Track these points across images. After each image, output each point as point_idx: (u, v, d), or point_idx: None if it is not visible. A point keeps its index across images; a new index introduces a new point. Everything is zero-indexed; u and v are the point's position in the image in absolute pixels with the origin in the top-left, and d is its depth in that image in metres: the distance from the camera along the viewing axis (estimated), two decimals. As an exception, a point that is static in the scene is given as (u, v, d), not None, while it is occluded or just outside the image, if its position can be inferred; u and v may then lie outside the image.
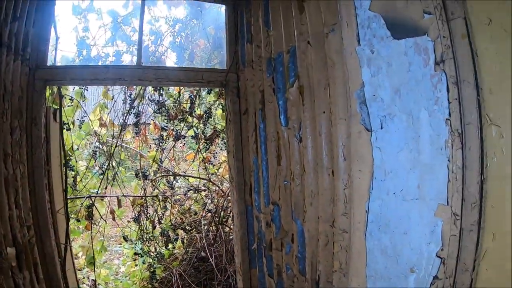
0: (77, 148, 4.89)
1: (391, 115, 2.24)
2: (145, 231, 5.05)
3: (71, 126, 4.77)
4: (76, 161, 4.85)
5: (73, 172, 4.83)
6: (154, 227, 5.26)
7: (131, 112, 4.51)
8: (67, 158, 4.82)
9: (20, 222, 3.20)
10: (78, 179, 4.88)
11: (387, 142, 2.25)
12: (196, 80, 3.69)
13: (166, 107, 4.74)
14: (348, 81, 2.43)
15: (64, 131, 4.67)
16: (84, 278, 5.72)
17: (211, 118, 4.91)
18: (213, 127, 4.99)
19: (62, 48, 4.82)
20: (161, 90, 4.59)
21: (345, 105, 2.48)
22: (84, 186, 4.81)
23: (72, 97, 4.63)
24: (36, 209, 3.41)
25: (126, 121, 4.42)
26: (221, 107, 4.84)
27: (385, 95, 2.28)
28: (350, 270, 2.55)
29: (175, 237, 5.47)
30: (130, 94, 4.53)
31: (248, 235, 3.72)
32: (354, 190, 2.41)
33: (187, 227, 5.52)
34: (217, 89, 4.86)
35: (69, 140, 4.87)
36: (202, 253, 5.04)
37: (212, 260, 4.81)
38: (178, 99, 4.67)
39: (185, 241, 5.64)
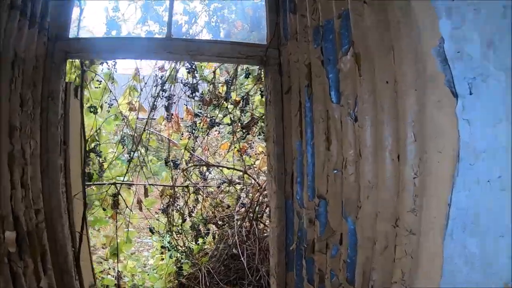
0: (106, 133, 4.50)
1: (484, 76, 1.66)
2: (174, 223, 4.59)
3: (99, 109, 4.37)
4: (101, 146, 4.45)
5: (100, 158, 4.43)
6: (184, 220, 4.79)
7: (162, 96, 4.07)
8: (94, 143, 4.43)
9: (27, 204, 2.79)
10: (105, 166, 4.48)
11: (478, 112, 1.66)
12: (233, 55, 3.19)
13: (200, 92, 4.28)
14: (420, 40, 1.85)
15: (91, 114, 4.28)
16: (110, 269, 5.34)
17: (248, 104, 4.40)
18: (250, 114, 4.48)
19: (91, 29, 4.37)
20: (195, 72, 4.12)
21: (416, 71, 1.90)
22: (111, 174, 4.41)
23: (100, 79, 4.23)
24: (49, 192, 3.01)
25: (155, 104, 3.98)
26: (259, 92, 4.32)
27: (473, 51, 1.69)
28: (416, 282, 1.96)
29: (206, 231, 4.99)
30: (162, 77, 4.09)
31: (286, 233, 3.16)
32: (429, 177, 1.81)
33: (219, 222, 5.02)
34: (255, 73, 4.36)
35: (96, 124, 4.48)
36: (234, 250, 4.52)
37: (244, 258, 4.29)
38: (213, 81, 4.18)
39: (216, 237, 5.15)
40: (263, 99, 3.87)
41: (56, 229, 3.01)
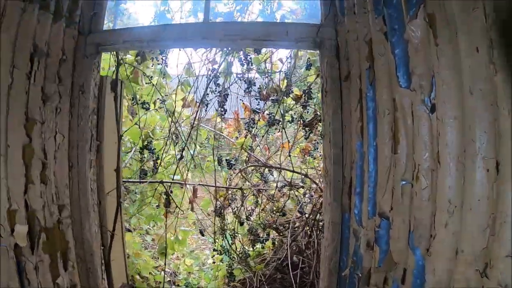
0: (159, 130, 4.07)
1: None
2: (226, 227, 4.04)
3: (152, 106, 3.94)
4: (155, 143, 4.03)
5: (153, 155, 4.01)
6: (241, 223, 4.22)
7: (215, 91, 3.53)
8: (148, 140, 4.02)
9: (47, 199, 2.46)
10: (159, 163, 4.05)
11: None
12: (281, 38, 2.53)
13: (258, 87, 3.68)
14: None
15: (142, 110, 3.87)
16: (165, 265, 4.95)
17: (311, 99, 3.71)
18: (313, 111, 3.79)
19: (140, 23, 3.96)
20: (250, 64, 3.53)
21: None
22: (164, 172, 3.97)
23: (151, 75, 3.81)
24: (77, 188, 2.62)
25: (206, 99, 3.46)
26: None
27: None
28: None
29: (265, 237, 4.38)
30: (213, 70, 3.55)
31: (340, 254, 2.43)
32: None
33: (280, 227, 4.37)
34: (318, 64, 3.64)
35: (151, 121, 4.07)
36: (293, 258, 3.85)
37: (298, 270, 3.61)
38: (269, 72, 3.55)
39: (276, 243, 4.51)
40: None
41: (84, 226, 2.65)
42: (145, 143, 4.04)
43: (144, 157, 4.14)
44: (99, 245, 2.75)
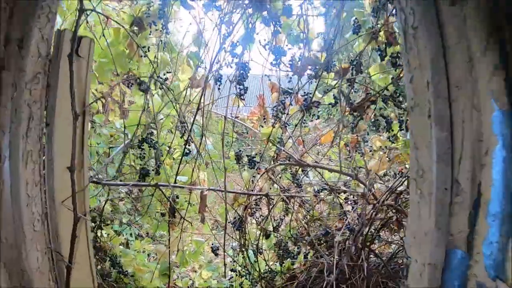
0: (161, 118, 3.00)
1: None
2: (249, 241, 2.97)
3: (153, 87, 2.90)
4: (158, 136, 2.99)
5: (155, 151, 2.98)
6: (267, 236, 3.15)
7: (230, 62, 2.47)
8: (148, 131, 2.98)
9: None
10: (164, 160, 3.01)
11: None
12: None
13: (290, 59, 2.58)
14: None
15: (138, 92, 2.83)
16: (177, 278, 3.92)
17: (361, 73, 2.60)
18: (364, 88, 2.67)
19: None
20: (277, 25, 2.43)
21: None
22: (168, 171, 2.92)
23: (148, 47, 2.77)
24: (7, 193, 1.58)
25: (217, 73, 2.39)
26: (378, 53, 2.50)
27: None
28: None
29: (296, 251, 3.29)
30: (230, 34, 2.48)
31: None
32: None
33: (314, 240, 3.27)
34: (369, 25, 2.54)
35: (155, 106, 3.03)
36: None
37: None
38: (304, 38, 2.44)
39: (308, 257, 3.41)
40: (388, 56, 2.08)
41: (20, 252, 1.59)
42: (146, 135, 3.02)
43: (145, 153, 3.11)
44: (48, 280, 1.72)
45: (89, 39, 2.13)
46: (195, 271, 4.54)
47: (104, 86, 3.37)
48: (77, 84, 1.85)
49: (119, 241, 3.90)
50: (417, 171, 1.42)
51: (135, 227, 4.39)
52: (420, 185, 1.41)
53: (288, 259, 3.34)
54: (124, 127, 2.92)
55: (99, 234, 3.92)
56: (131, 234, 4.32)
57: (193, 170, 2.71)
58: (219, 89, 2.50)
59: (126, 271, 3.38)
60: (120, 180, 3.13)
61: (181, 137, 2.70)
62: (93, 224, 3.82)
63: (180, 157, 2.97)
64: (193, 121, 2.54)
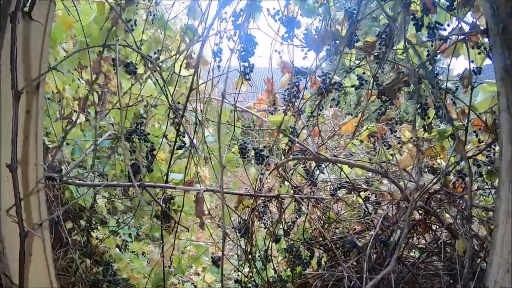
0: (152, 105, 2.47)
1: None
2: (257, 248, 2.46)
3: (140, 68, 2.38)
4: (150, 128, 2.49)
5: (147, 144, 2.47)
6: (277, 240, 2.64)
7: (233, 39, 1.93)
8: (139, 121, 2.46)
9: None
10: (159, 157, 2.50)
11: None
12: None
13: (304, 30, 2.04)
14: None
15: (125, 75, 2.31)
16: (179, 283, 3.41)
17: (391, 48, 2.05)
18: (395, 67, 2.12)
19: None
20: None
21: None
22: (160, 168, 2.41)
23: (134, 21, 2.25)
24: None
25: (216, 47, 1.87)
26: (413, 23, 1.96)
27: None
28: None
29: (308, 256, 2.77)
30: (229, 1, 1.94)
31: None
32: None
33: (330, 245, 2.74)
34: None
35: (144, 92, 2.51)
36: None
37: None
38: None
39: (322, 263, 2.89)
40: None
41: None
42: (135, 126, 2.50)
43: (136, 148, 2.60)
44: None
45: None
46: (198, 274, 4.05)
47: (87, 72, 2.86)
48: (25, 54, 1.34)
49: (114, 243, 3.42)
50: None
51: (134, 226, 3.90)
52: None
53: (300, 265, 2.83)
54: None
55: (93, 236, 3.45)
56: (130, 235, 3.83)
57: (186, 167, 2.18)
58: (218, 66, 1.97)
59: (119, 280, 2.88)
60: (104, 178, 2.62)
61: (175, 128, 2.18)
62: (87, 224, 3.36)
63: (176, 151, 2.45)
64: (185, 106, 2.02)
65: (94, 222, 3.42)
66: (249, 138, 2.92)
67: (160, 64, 2.16)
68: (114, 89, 3.60)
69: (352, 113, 2.41)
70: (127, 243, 3.62)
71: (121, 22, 2.39)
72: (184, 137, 2.15)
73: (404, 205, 2.33)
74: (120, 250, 3.42)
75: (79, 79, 3.20)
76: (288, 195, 2.30)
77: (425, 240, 2.90)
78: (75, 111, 3.12)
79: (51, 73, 2.89)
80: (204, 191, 2.04)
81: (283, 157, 2.39)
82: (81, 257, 3.26)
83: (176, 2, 2.31)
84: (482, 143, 2.29)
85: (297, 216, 2.69)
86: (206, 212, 2.39)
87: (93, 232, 3.44)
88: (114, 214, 3.50)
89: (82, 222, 3.32)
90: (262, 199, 2.28)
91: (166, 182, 2.25)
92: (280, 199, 2.24)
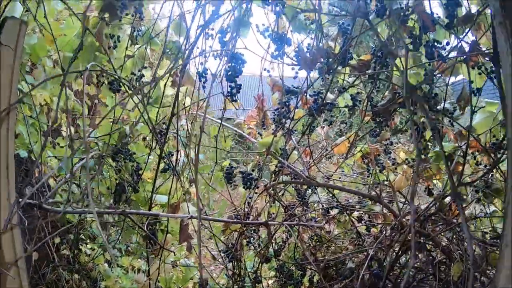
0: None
1: None
2: (245, 270, 2.24)
3: (124, 87, 2.15)
4: (136, 146, 2.27)
5: (133, 164, 2.24)
6: (267, 260, 2.41)
7: (219, 55, 1.71)
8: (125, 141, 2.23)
9: None
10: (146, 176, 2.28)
11: None
12: None
13: (296, 47, 1.82)
14: None
15: (110, 93, 2.09)
16: None
17: (386, 67, 1.84)
18: (388, 87, 1.89)
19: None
20: (278, 5, 1.66)
21: None
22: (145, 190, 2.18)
23: (117, 37, 2.03)
24: None
25: (200, 65, 1.65)
26: (410, 42, 1.75)
27: None
28: None
29: (299, 275, 2.54)
30: (216, 17, 1.70)
31: None
32: None
33: (321, 265, 2.52)
34: (396, 5, 1.79)
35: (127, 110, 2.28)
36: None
37: None
38: (314, 19, 1.65)
39: (314, 281, 2.66)
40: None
41: None
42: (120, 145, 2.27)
43: (122, 167, 2.36)
44: None
45: (18, 21, 1.41)
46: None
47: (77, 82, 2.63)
48: None
49: (103, 259, 3.18)
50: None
51: (125, 243, 3.65)
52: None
53: (292, 285, 2.60)
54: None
55: (82, 250, 3.22)
56: (120, 249, 3.59)
57: (169, 192, 1.96)
58: (203, 87, 1.75)
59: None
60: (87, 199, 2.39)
61: (158, 151, 1.95)
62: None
63: (161, 170, 2.22)
64: (167, 128, 1.80)
65: (82, 237, 3.19)
66: (241, 150, 2.70)
67: (143, 83, 1.93)
68: (105, 100, 3.37)
69: (344, 134, 2.20)
70: (116, 258, 3.38)
71: (105, 37, 2.17)
72: (169, 159, 1.93)
73: (398, 226, 2.11)
74: (110, 265, 3.18)
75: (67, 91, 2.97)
76: (276, 222, 2.07)
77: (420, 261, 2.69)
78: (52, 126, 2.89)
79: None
80: (189, 218, 1.82)
81: (274, 176, 2.16)
82: (69, 274, 3.03)
83: (162, 17, 2.08)
84: (480, 165, 2.09)
85: (288, 237, 2.47)
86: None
87: (82, 246, 3.21)
88: (103, 229, 3.26)
89: (71, 236, 3.09)
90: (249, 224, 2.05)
91: (150, 205, 2.02)
92: (268, 226, 2.01)
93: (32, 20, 2.16)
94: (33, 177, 2.48)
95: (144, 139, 2.49)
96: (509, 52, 0.83)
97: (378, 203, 2.36)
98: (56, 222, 2.95)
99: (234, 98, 1.75)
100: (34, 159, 2.72)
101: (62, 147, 2.73)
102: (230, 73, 1.71)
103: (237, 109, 1.91)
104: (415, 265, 2.70)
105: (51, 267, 2.99)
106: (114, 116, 2.19)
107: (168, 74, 1.94)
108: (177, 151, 1.87)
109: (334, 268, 2.68)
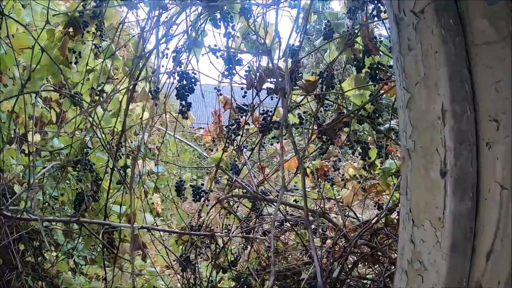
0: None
1: None
2: (200, 281, 2.24)
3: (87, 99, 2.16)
4: (95, 156, 2.27)
5: (92, 174, 2.24)
6: (223, 270, 2.41)
7: (173, 73, 1.74)
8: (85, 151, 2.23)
9: None
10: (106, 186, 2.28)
11: None
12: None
13: (247, 69, 1.88)
14: None
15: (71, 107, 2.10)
16: None
17: (332, 89, 1.90)
18: (336, 108, 1.95)
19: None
20: (228, 24, 1.71)
21: None
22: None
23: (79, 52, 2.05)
24: None
25: (156, 83, 1.67)
26: (354, 64, 1.81)
27: None
28: None
29: (259, 284, 2.55)
30: (169, 38, 1.72)
31: None
32: None
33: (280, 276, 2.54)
34: (343, 29, 1.85)
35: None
36: None
37: None
38: (263, 43, 1.74)
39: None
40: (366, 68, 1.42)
41: None
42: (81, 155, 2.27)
43: (83, 177, 2.36)
44: None
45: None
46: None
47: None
48: None
49: (67, 267, 3.13)
50: (410, 262, 0.72)
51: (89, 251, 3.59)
52: (414, 285, 0.71)
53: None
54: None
55: (46, 258, 3.17)
56: (85, 257, 3.54)
57: (121, 203, 1.97)
58: (156, 105, 1.78)
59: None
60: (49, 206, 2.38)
61: (114, 160, 1.96)
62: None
63: (116, 182, 2.23)
64: (119, 142, 1.82)
65: (48, 244, 3.14)
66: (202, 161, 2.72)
67: (101, 98, 1.95)
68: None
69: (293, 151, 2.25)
70: (81, 266, 3.34)
71: (69, 52, 2.19)
72: (124, 171, 1.94)
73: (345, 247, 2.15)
74: (75, 273, 3.14)
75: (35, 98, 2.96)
76: (224, 234, 2.09)
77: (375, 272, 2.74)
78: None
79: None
80: (138, 228, 1.83)
81: (225, 190, 2.19)
82: (33, 280, 2.98)
83: (122, 34, 2.10)
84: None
85: (244, 248, 2.49)
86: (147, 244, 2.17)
87: (47, 254, 3.16)
88: (68, 237, 3.22)
89: (35, 243, 3.05)
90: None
91: (105, 215, 2.03)
92: (215, 238, 2.03)
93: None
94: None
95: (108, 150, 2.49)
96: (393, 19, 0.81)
97: (331, 215, 2.41)
98: (20, 229, 2.92)
99: (184, 116, 1.77)
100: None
101: (27, 154, 2.71)
102: (181, 91, 1.75)
103: (191, 126, 1.94)
104: (370, 276, 2.75)
105: (15, 274, 2.94)
106: (75, 128, 2.19)
107: (125, 89, 1.96)
108: (133, 165, 1.89)
109: (292, 278, 2.71)
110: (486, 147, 0.67)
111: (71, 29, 2.24)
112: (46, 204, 2.54)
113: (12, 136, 2.92)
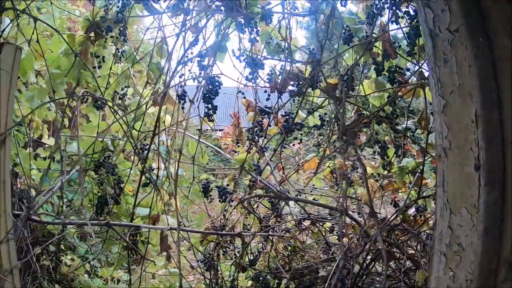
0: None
1: None
2: (223, 280, 2.39)
3: (110, 102, 2.31)
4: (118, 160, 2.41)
5: (115, 177, 2.39)
6: (243, 269, 2.56)
7: (198, 78, 1.89)
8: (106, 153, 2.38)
9: None
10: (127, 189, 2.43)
11: None
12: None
13: (269, 72, 2.03)
14: None
15: (93, 110, 2.25)
16: None
17: (352, 91, 2.06)
18: (356, 109, 2.12)
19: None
20: (254, 32, 1.85)
21: None
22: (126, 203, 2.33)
23: (102, 57, 2.19)
24: None
25: (180, 89, 1.83)
26: (373, 68, 1.98)
27: None
28: None
29: (276, 284, 2.70)
30: (195, 43, 1.89)
31: None
32: None
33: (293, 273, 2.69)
34: (362, 34, 2.01)
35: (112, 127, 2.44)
36: None
37: None
38: (285, 49, 1.87)
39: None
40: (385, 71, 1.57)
41: None
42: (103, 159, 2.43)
43: (104, 180, 2.51)
44: None
45: (14, 46, 1.56)
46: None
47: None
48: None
49: (83, 270, 3.27)
50: (449, 245, 0.88)
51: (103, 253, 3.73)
52: (453, 264, 0.86)
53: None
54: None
55: (62, 261, 3.30)
56: (99, 260, 3.68)
57: (150, 206, 2.12)
58: (183, 108, 1.93)
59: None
60: (71, 209, 2.53)
61: (140, 166, 2.11)
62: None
63: (142, 184, 2.37)
64: (149, 147, 1.97)
65: (63, 248, 3.28)
66: (219, 162, 2.88)
67: (125, 103, 2.10)
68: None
69: (315, 151, 2.41)
70: (96, 269, 3.48)
71: (90, 56, 2.33)
72: (150, 174, 2.09)
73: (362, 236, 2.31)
74: (90, 276, 3.28)
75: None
76: (250, 233, 2.25)
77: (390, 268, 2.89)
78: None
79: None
80: (168, 229, 1.98)
81: (248, 190, 2.34)
82: (49, 284, 3.12)
83: (145, 39, 2.26)
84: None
85: (263, 247, 2.64)
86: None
87: (63, 257, 3.30)
88: (84, 240, 3.36)
89: (52, 247, 3.18)
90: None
91: (132, 217, 2.17)
92: (242, 237, 2.19)
93: (20, 35, 2.31)
94: (17, 188, 2.60)
95: (123, 151, 2.63)
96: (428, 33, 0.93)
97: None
98: (37, 233, 3.06)
99: (210, 119, 1.93)
100: (17, 171, 2.84)
101: (45, 159, 2.85)
102: (207, 95, 1.90)
103: (215, 126, 2.09)
104: (386, 272, 2.91)
105: (32, 277, 3.07)
106: (98, 131, 2.34)
107: (150, 94, 2.11)
108: (158, 167, 2.02)
109: (308, 276, 2.86)
110: (510, 146, 0.83)
111: (92, 34, 2.39)
112: (67, 207, 2.68)
113: (27, 140, 3.07)
